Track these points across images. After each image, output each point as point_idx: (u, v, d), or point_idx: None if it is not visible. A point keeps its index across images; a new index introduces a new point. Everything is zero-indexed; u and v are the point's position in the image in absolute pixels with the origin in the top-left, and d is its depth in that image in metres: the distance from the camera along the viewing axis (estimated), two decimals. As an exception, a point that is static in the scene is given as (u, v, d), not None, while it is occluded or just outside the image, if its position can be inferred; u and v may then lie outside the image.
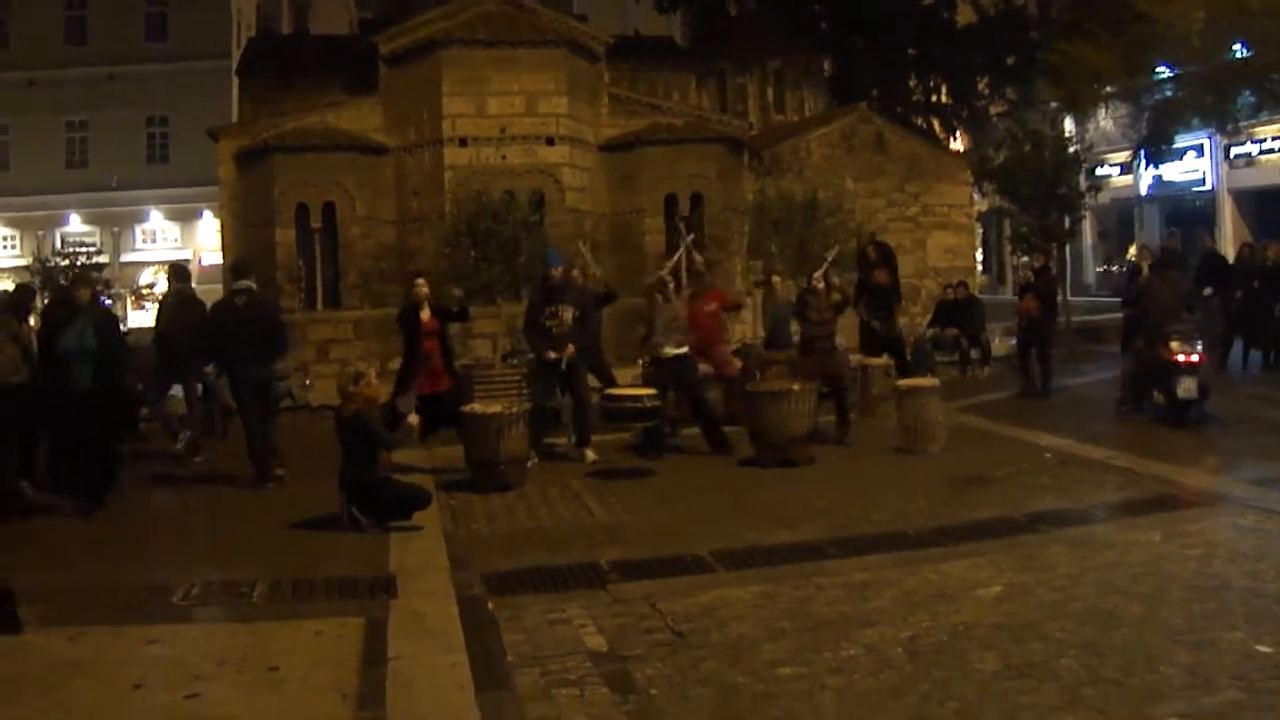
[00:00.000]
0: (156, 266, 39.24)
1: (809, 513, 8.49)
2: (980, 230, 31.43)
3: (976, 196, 23.50)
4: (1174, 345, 11.38)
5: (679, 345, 11.18)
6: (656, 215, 19.21)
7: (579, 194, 18.78)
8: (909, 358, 13.95)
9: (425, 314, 11.13)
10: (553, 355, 10.92)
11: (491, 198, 15.72)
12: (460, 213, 15.84)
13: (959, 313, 17.02)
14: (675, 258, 12.79)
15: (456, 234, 15.43)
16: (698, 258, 13.05)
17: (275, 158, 18.49)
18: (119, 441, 10.15)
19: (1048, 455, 10.39)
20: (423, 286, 11.34)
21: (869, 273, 14.39)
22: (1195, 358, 11.42)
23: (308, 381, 16.26)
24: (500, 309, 15.34)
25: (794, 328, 13.28)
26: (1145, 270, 13.56)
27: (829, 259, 12.54)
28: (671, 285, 11.35)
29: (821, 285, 11.75)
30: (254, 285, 11.09)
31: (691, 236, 13.54)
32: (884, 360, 13.40)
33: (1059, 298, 15.72)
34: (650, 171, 19.22)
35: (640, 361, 13.84)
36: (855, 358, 13.90)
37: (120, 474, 10.01)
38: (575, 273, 12.23)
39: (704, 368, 12.12)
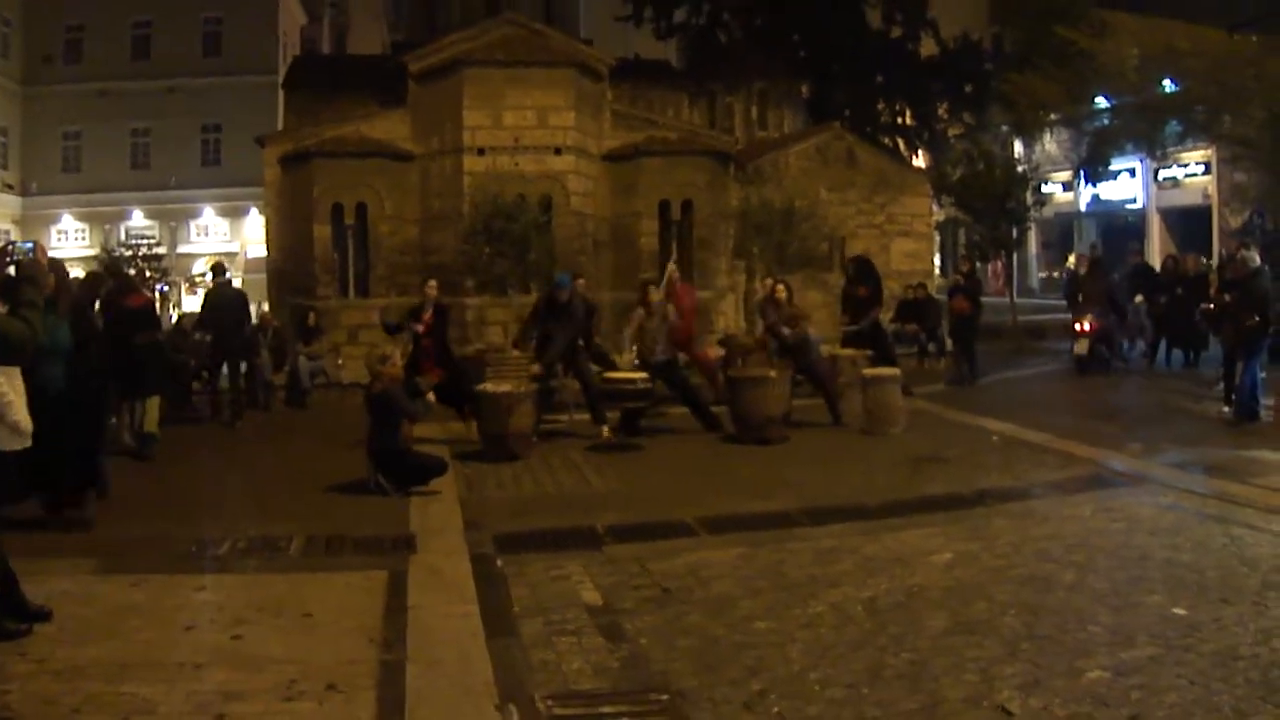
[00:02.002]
0: (208, 257, 39.15)
1: (782, 485, 8.50)
2: (938, 238, 31.43)
3: (935, 208, 23.48)
4: (1077, 319, 15.20)
5: (664, 352, 11.15)
6: (652, 218, 19.17)
7: (583, 198, 18.73)
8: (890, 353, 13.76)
9: (428, 314, 11.16)
10: (537, 369, 10.97)
11: (505, 200, 15.70)
12: (477, 213, 15.82)
13: (918, 311, 17.05)
14: (665, 279, 12.76)
15: (473, 232, 15.41)
16: (676, 276, 13.00)
17: (315, 162, 18.42)
18: (98, 448, 7.80)
19: (995, 439, 10.40)
20: (433, 289, 11.36)
21: (852, 286, 14.32)
22: (1088, 327, 15.04)
23: (340, 362, 16.23)
24: (511, 299, 15.32)
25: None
26: (1082, 272, 14.45)
27: (670, 273, 12.56)
28: (659, 297, 11.25)
29: (784, 295, 11.67)
30: (229, 279, 12.66)
31: (673, 261, 13.56)
32: (852, 351, 13.39)
33: (983, 298, 15.79)
34: (647, 179, 19.16)
35: (634, 348, 13.84)
36: (826, 348, 13.90)
37: (103, 484, 7.89)
38: (580, 280, 12.18)
39: (684, 357, 12.13)
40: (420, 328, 11.11)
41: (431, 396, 9.42)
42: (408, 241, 18.85)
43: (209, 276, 14.45)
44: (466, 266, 15.69)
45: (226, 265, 14.08)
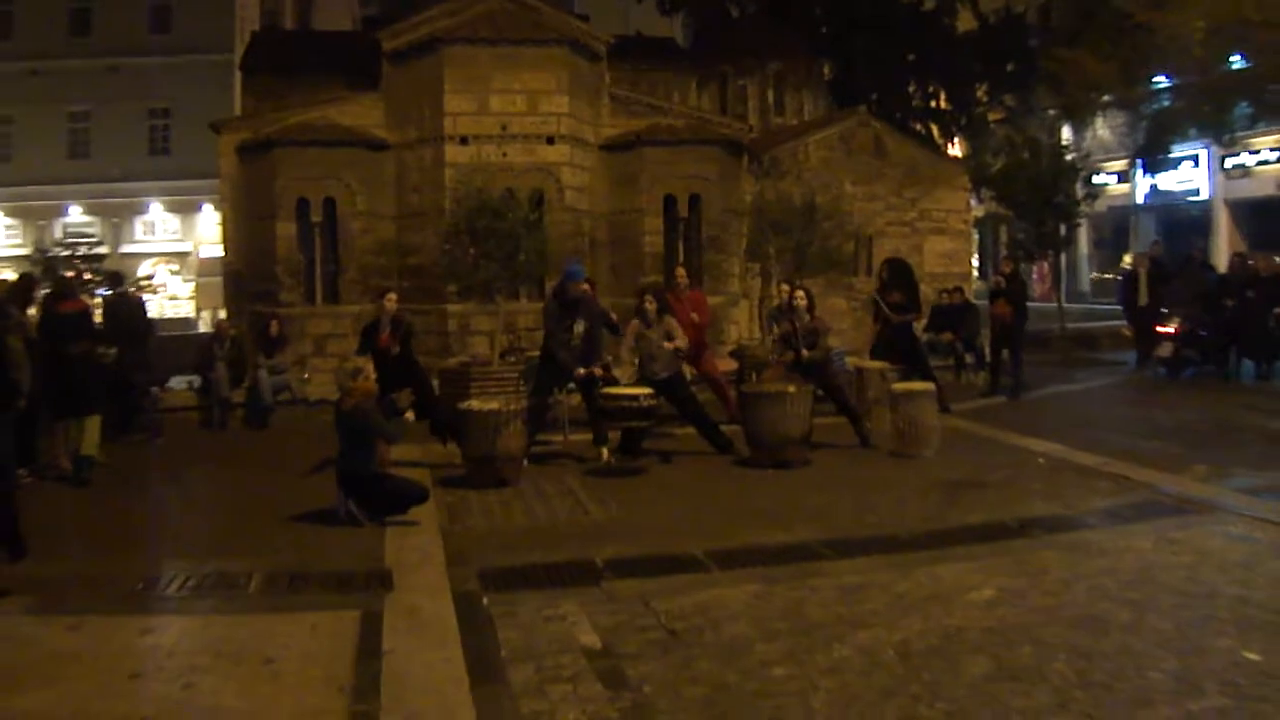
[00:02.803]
0: (156, 258, 39.24)
1: (803, 514, 8.51)
2: (977, 236, 31.48)
3: (974, 202, 23.54)
4: (1162, 321, 16.13)
5: (666, 369, 11.17)
6: (656, 216, 19.21)
7: (578, 193, 18.78)
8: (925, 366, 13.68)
9: (385, 335, 11.19)
10: (582, 371, 10.93)
11: (491, 195, 15.69)
12: (460, 210, 15.81)
13: (954, 318, 17.06)
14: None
15: (456, 231, 15.40)
16: (684, 282, 13.04)
17: (277, 152, 18.47)
18: (12, 479, 7.76)
19: (1041, 461, 10.41)
20: (392, 301, 11.34)
21: (885, 291, 14.31)
22: (1174, 329, 15.88)
23: (306, 376, 16.27)
24: (499, 306, 15.34)
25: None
26: (1142, 275, 14.56)
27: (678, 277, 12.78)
28: (654, 308, 11.28)
29: (804, 303, 11.69)
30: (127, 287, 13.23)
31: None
32: (881, 364, 13.41)
33: (1028, 302, 15.85)
34: (650, 172, 19.21)
35: (634, 361, 13.85)
36: (853, 360, 13.92)
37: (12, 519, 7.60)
38: (584, 286, 12.23)
39: (689, 370, 12.16)
40: (379, 349, 11.02)
41: (410, 415, 9.44)
42: (382, 241, 18.89)
43: (157, 277, 14.75)
44: (448, 269, 15.69)
45: (124, 274, 14.35)
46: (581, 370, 10.91)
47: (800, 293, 11.76)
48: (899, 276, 14.32)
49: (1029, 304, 15.80)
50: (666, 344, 11.18)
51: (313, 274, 18.72)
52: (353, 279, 18.60)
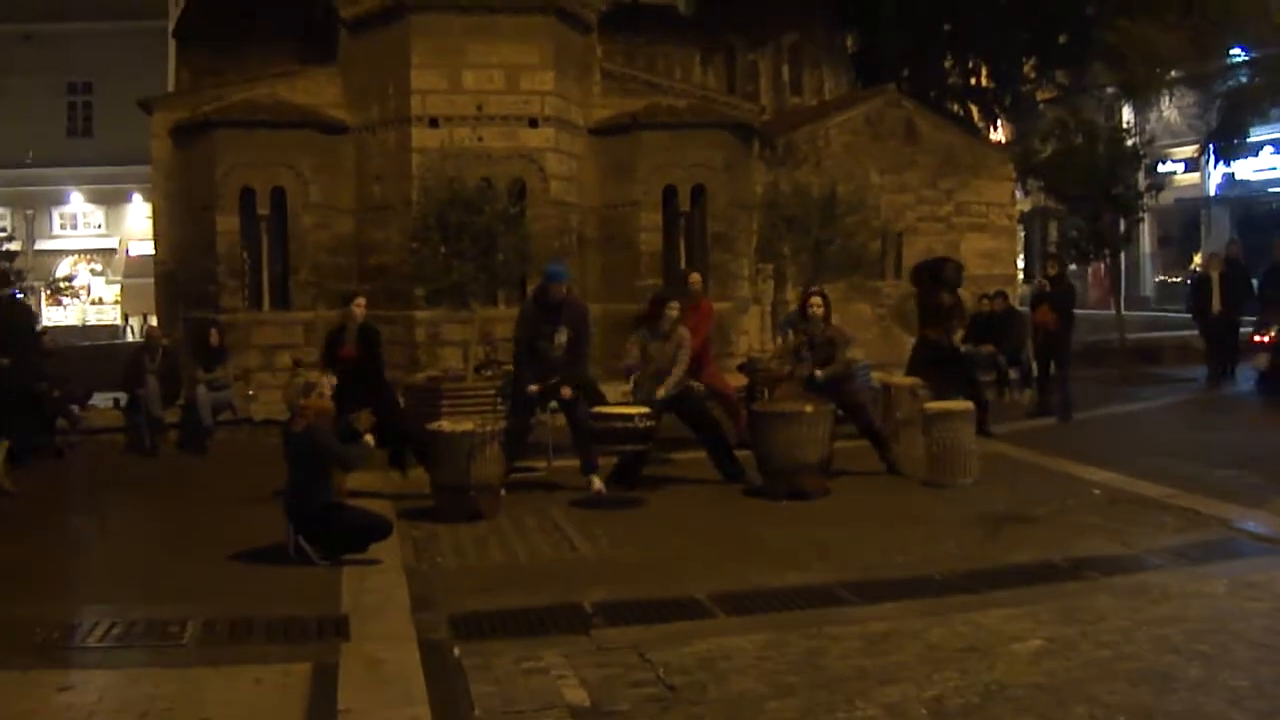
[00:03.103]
0: (77, 256, 39.22)
1: (822, 552, 8.53)
2: (1023, 233, 31.56)
3: (1019, 195, 23.60)
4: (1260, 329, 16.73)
5: (676, 386, 11.18)
6: (654, 210, 19.23)
7: (565, 183, 18.81)
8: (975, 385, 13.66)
9: (349, 346, 11.22)
10: (535, 389, 10.95)
11: (465, 186, 15.70)
12: (429, 202, 15.82)
13: (996, 327, 17.05)
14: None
15: (425, 227, 15.39)
16: (698, 289, 13.10)
17: (218, 134, 18.47)
18: None
19: (1096, 492, 10.43)
20: (361, 308, 11.39)
21: (933, 294, 14.30)
22: (1270, 338, 16.43)
23: (251, 392, 16.26)
24: (474, 313, 15.36)
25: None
26: (1214, 274, 14.69)
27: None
28: (675, 314, 11.27)
29: (820, 310, 11.71)
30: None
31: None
32: (910, 380, 13.43)
33: (1077, 309, 15.92)
34: (648, 160, 19.24)
35: (633, 378, 13.87)
36: (878, 375, 13.94)
37: None
38: (572, 290, 12.27)
39: (695, 385, 12.18)
40: (342, 361, 11.05)
41: (370, 439, 9.45)
42: (339, 238, 18.91)
43: (78, 278, 14.85)
44: (416, 271, 15.69)
45: (10, 271, 14.39)
46: (533, 387, 10.92)
47: (816, 299, 11.76)
48: (933, 276, 14.35)
49: (1076, 311, 15.85)
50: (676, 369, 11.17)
51: (259, 275, 18.72)
52: (305, 281, 18.61)
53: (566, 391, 10.88)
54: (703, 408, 11.62)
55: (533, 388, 10.94)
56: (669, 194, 19.27)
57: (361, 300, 11.58)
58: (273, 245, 18.69)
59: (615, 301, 18.09)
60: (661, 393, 10.97)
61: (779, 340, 12.04)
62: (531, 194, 18.09)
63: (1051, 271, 15.98)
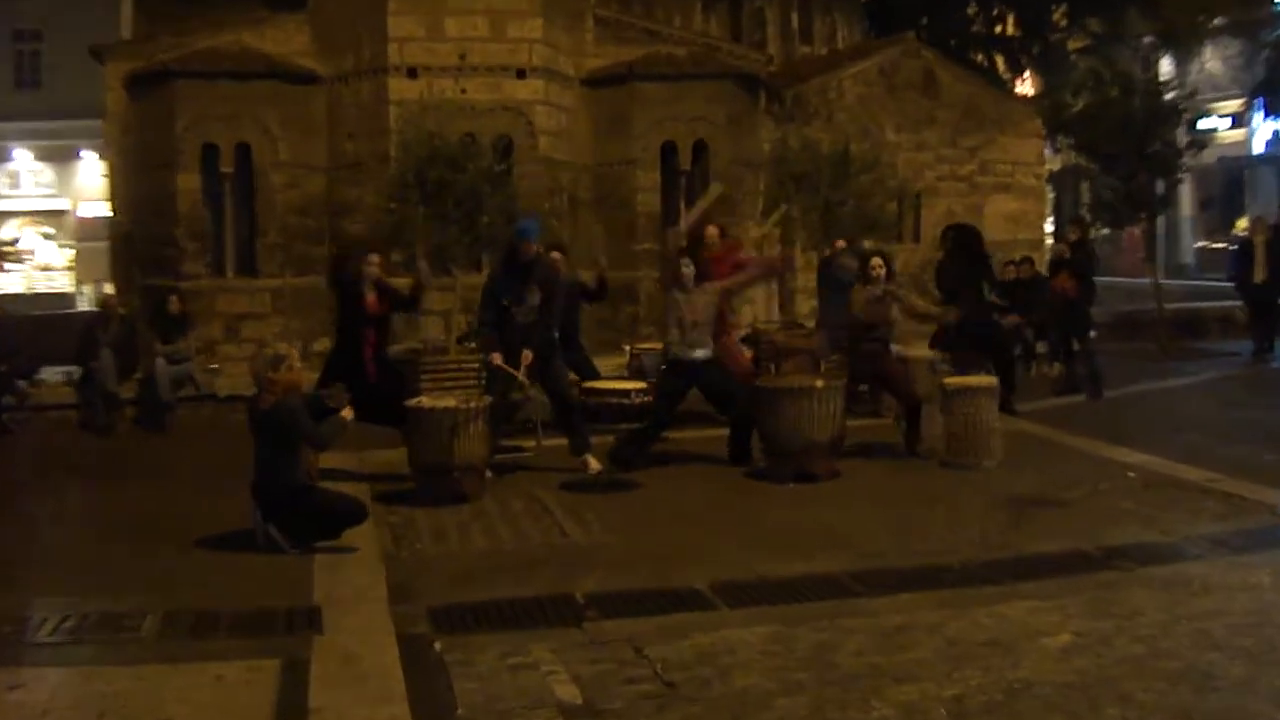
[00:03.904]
0: (24, 218, 39.07)
1: (832, 539, 8.53)
2: (1052, 194, 31.51)
3: (1048, 152, 23.55)
4: None
5: (706, 346, 11.10)
6: (652, 169, 19.22)
7: (555, 139, 18.77)
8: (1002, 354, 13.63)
9: (371, 297, 11.20)
10: (498, 360, 10.90)
11: (447, 141, 15.65)
12: (408, 159, 15.76)
13: (1023, 296, 17.02)
14: (695, 211, 12.73)
15: (403, 186, 15.36)
16: (715, 241, 12.96)
17: (177, 85, 18.41)
18: None
19: (1131, 475, 10.43)
20: (374, 267, 11.38)
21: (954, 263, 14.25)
22: None
23: (214, 365, 16.25)
24: (456, 280, 15.33)
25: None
26: (1259, 245, 14.43)
27: (708, 199, 12.61)
28: (691, 270, 11.21)
29: (881, 270, 11.68)
30: None
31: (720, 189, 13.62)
32: (930, 353, 13.43)
33: (1098, 276, 15.92)
34: (645, 114, 19.21)
35: (627, 349, 13.86)
36: (896, 348, 13.93)
37: None
38: (555, 254, 12.19)
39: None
40: (498, 358, 10.90)
41: (348, 413, 9.42)
42: (310, 198, 18.88)
43: (23, 241, 14.78)
44: (393, 234, 15.67)
45: None
46: (497, 358, 10.84)
47: (877, 260, 11.77)
48: (965, 244, 14.31)
49: (1108, 279, 15.85)
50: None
51: (222, 239, 18.70)
52: (273, 245, 18.59)
53: (527, 356, 10.79)
54: (730, 379, 11.50)
55: (495, 357, 10.90)
56: (668, 151, 19.25)
57: (376, 257, 11.50)
58: (238, 206, 18.66)
59: (612, 268, 18.05)
60: (726, 283, 11.14)
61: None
62: (519, 150, 18.05)
63: (1072, 236, 15.95)
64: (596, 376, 12.31)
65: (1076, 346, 15.24)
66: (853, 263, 12.98)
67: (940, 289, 14.04)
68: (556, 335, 11.35)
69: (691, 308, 11.00)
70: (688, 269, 11.12)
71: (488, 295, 11.18)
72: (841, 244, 13.74)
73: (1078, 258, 15.38)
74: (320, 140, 18.97)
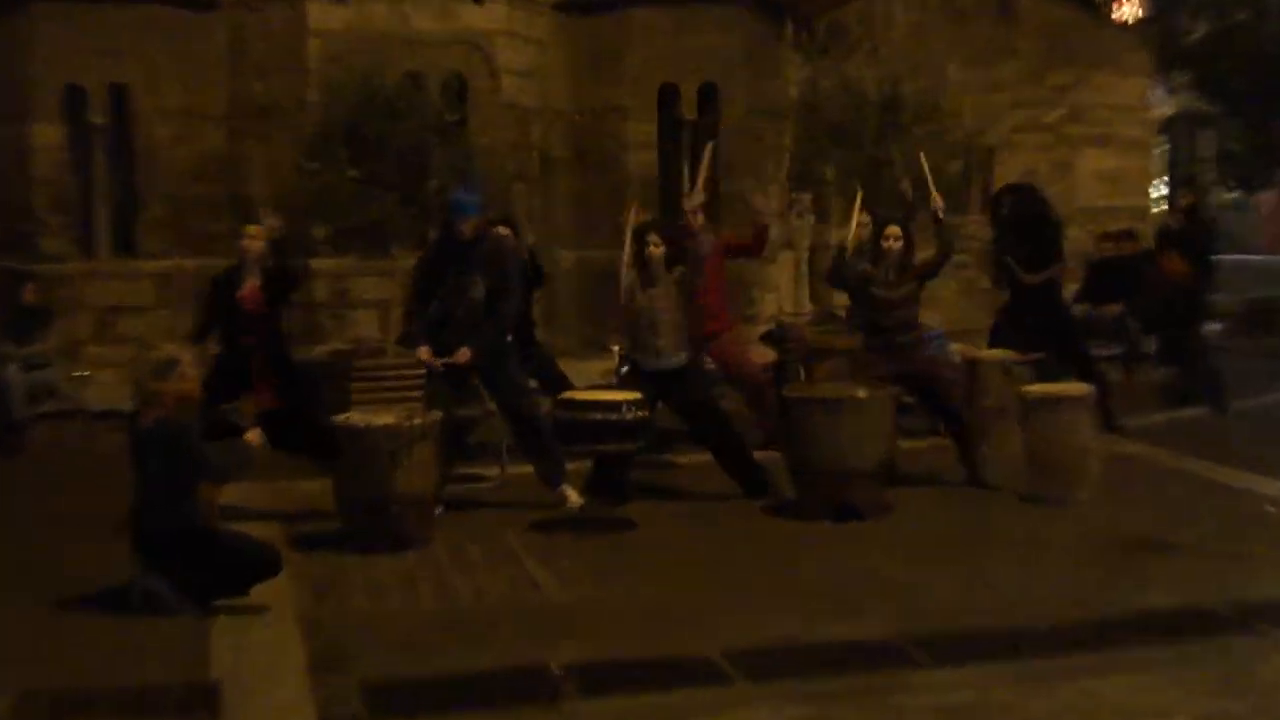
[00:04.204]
0: None
1: (881, 592, 8.56)
2: (1162, 148, 31.56)
3: (1158, 94, 23.58)
4: None
5: (676, 347, 11.21)
6: (647, 118, 19.19)
7: (523, 81, 18.76)
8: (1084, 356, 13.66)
9: (251, 284, 11.18)
10: (425, 355, 10.96)
11: (384, 83, 15.71)
12: (333, 107, 15.82)
13: (1124, 278, 17.02)
14: (700, 178, 12.80)
15: (327, 140, 15.41)
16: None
17: (33, 10, 18.40)
18: None
19: (1269, 509, 10.47)
20: (256, 240, 11.35)
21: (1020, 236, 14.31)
22: None
23: (84, 372, 16.22)
24: (395, 262, 15.36)
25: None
26: None
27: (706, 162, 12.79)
28: (659, 253, 11.24)
29: (898, 242, 11.73)
30: None
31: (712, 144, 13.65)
32: (1000, 353, 13.43)
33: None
34: (639, 48, 19.19)
35: (615, 349, 13.87)
36: (958, 348, 13.95)
37: None
38: (502, 229, 12.20)
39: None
40: (425, 354, 11.07)
41: (255, 436, 9.42)
42: (205, 157, 18.84)
43: None
44: (314, 203, 15.68)
45: None
46: (424, 353, 10.92)
47: (894, 228, 11.79)
48: (1026, 213, 14.36)
49: (1238, 257, 15.87)
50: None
51: (92, 209, 18.67)
52: (158, 217, 18.55)
53: (463, 355, 10.79)
54: (710, 397, 11.56)
55: (422, 351, 10.92)
56: (667, 96, 19.22)
57: (255, 229, 11.51)
58: (112, 168, 18.62)
59: (593, 245, 18.03)
60: (661, 349, 11.12)
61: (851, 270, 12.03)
62: (476, 95, 18.04)
63: (1184, 203, 15.92)
64: (565, 386, 12.30)
65: (1192, 344, 15.20)
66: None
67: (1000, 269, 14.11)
68: (509, 337, 11.36)
69: (653, 305, 11.12)
70: (657, 248, 11.16)
71: (416, 281, 11.20)
72: (894, 230, 13.69)
73: (1190, 231, 15.30)
74: (219, 82, 18.94)
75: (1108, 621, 7.89)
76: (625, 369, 11.54)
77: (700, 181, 12.82)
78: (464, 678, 7.16)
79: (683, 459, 11.98)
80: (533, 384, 11.84)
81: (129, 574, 8.46)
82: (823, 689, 6.91)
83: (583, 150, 19.43)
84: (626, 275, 11.28)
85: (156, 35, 18.54)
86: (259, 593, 8.43)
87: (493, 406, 11.46)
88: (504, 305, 11.05)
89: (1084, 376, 12.34)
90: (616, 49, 19.24)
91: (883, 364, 11.58)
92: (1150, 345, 16.80)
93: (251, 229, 11.55)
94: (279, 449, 10.96)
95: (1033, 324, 13.39)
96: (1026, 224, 14.09)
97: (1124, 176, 21.89)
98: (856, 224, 13.70)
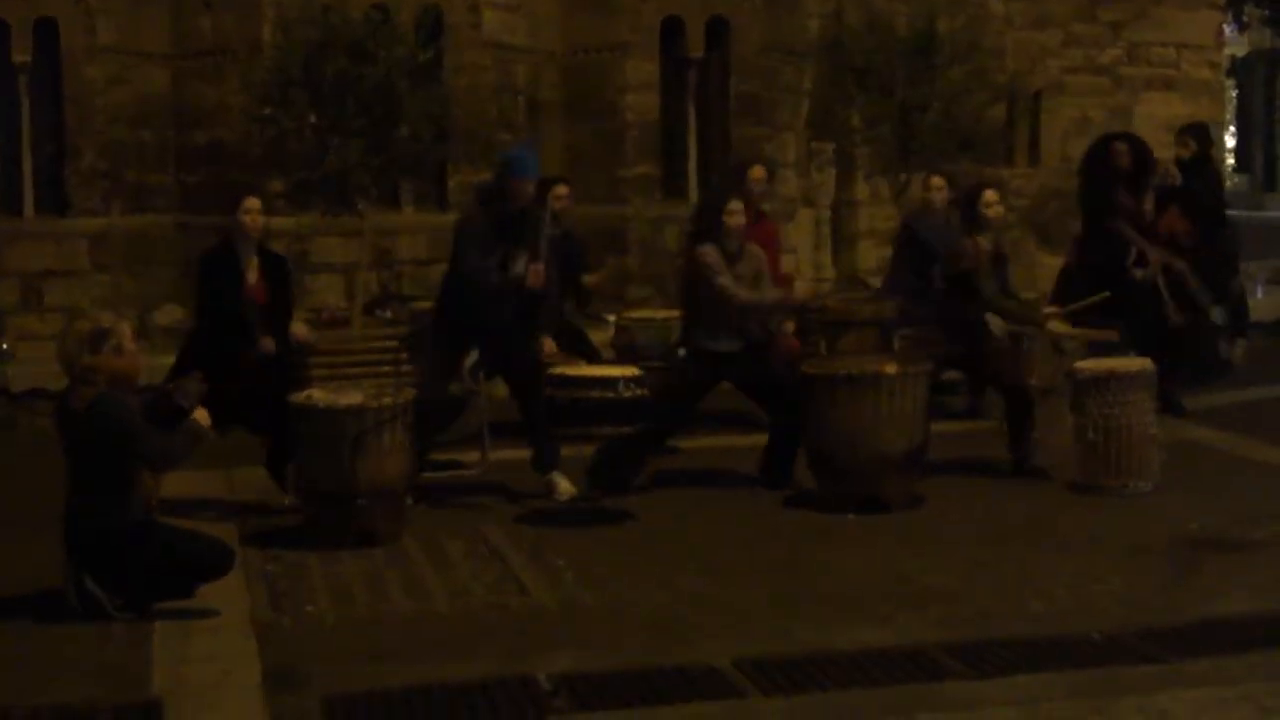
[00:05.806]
0: None
1: (913, 594, 8.58)
2: (1235, 93, 31.56)
3: (1229, 30, 23.58)
4: None
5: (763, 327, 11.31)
6: (648, 57, 19.18)
7: (507, 15, 18.76)
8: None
9: (253, 273, 11.17)
10: (551, 348, 11.23)
11: (348, 19, 15.70)
12: (291, 45, 15.81)
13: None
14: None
15: (284, 83, 15.39)
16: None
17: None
18: None
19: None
20: (256, 215, 11.28)
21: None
22: None
23: (4, 345, 16.22)
24: (363, 220, 15.35)
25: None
26: None
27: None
28: (740, 225, 11.23)
29: (942, 192, 11.75)
30: None
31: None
32: (1064, 328, 13.37)
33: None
34: (637, -22, 19.24)
35: (611, 319, 13.89)
36: (997, 322, 13.94)
37: None
38: (560, 190, 12.25)
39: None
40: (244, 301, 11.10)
41: (204, 416, 9.40)
42: (146, 100, 18.84)
43: None
44: (268, 153, 15.66)
45: None
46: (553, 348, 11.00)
47: (938, 179, 11.80)
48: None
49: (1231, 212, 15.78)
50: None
51: (16, 160, 18.68)
52: (92, 169, 18.55)
53: (551, 346, 10.87)
54: (785, 372, 11.52)
55: (548, 344, 11.10)
56: (670, 31, 19.21)
57: (253, 201, 11.38)
58: (39, 113, 18.62)
59: (587, 200, 18.03)
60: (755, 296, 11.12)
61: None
62: (453, 31, 18.02)
63: (1184, 153, 15.65)
64: (597, 356, 12.44)
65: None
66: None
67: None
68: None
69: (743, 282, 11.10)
70: (737, 219, 11.13)
71: (469, 262, 11.10)
72: (938, 181, 13.63)
73: (1192, 185, 15.10)
74: (162, 17, 18.93)
75: (1171, 628, 7.90)
76: (682, 351, 11.57)
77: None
78: (440, 691, 7.16)
79: (689, 445, 11.97)
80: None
81: (58, 575, 8.45)
82: (845, 703, 6.92)
83: (576, 95, 19.42)
84: (709, 252, 11.17)
85: (89, -39, 18.55)
86: (207, 595, 8.45)
87: (477, 387, 11.46)
88: (558, 280, 11.18)
89: (1155, 352, 12.29)
90: (612, -22, 19.25)
91: (950, 333, 11.66)
92: (1218, 315, 16.79)
93: (251, 202, 11.43)
94: (237, 426, 10.93)
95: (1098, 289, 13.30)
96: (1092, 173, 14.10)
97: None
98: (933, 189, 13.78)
